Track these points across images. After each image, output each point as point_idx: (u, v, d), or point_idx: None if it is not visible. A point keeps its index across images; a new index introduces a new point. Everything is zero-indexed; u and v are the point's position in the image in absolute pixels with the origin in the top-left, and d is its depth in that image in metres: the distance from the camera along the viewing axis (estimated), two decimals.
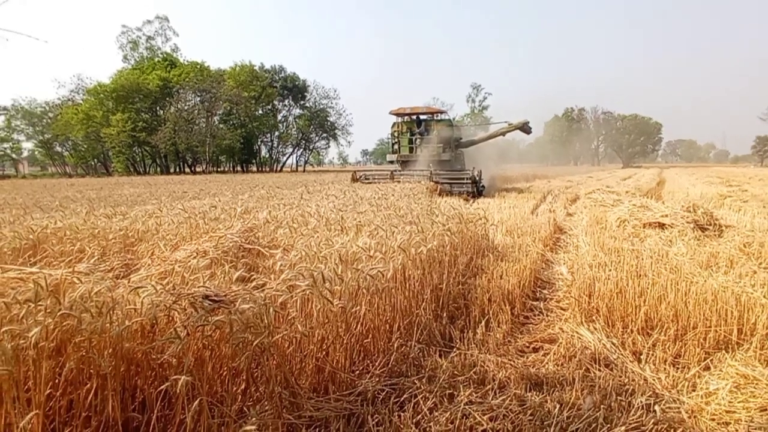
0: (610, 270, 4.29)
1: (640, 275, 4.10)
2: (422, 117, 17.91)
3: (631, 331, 3.49)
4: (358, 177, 16.41)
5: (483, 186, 15.49)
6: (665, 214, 7.15)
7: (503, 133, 17.18)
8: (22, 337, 1.92)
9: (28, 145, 56.04)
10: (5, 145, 53.47)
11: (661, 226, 6.86)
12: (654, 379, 2.92)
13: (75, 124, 50.23)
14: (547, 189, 17.10)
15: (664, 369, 3.04)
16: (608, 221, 7.87)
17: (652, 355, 3.19)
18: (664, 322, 3.46)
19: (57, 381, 2.06)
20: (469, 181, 14.09)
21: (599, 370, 2.99)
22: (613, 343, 3.36)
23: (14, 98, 63.57)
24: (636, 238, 6.32)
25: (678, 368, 3.07)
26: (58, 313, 2.01)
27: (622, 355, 3.22)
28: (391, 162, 18.60)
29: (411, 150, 17.66)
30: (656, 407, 2.53)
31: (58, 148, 56.28)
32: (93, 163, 57.17)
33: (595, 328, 3.58)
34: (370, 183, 14.98)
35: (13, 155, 55.08)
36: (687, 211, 7.03)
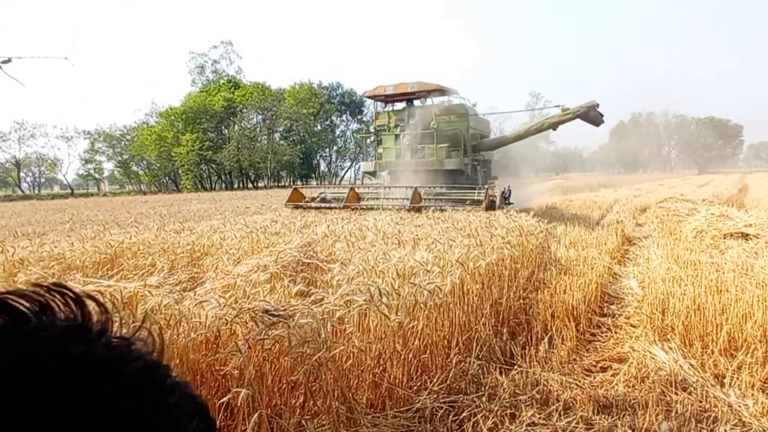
0: (686, 285, 3.99)
1: (721, 290, 3.78)
2: (415, 102, 11.73)
3: (712, 352, 3.22)
4: (305, 199, 10.74)
5: None
6: (749, 223, 6.59)
7: (554, 125, 10.73)
8: None
9: (108, 166, 60.76)
10: (89, 165, 58.20)
11: (745, 236, 6.32)
12: (740, 406, 2.66)
13: (149, 145, 53.96)
14: (613, 198, 16.20)
15: (752, 395, 2.77)
16: (683, 232, 7.37)
17: (738, 378, 2.92)
18: (750, 342, 3.16)
19: None
20: (481, 206, 8.36)
21: (676, 394, 2.77)
22: (692, 365, 3.11)
23: (97, 123, 69.57)
24: (715, 249, 5.86)
25: None
26: (131, 325, 2.12)
27: (702, 377, 2.97)
28: (369, 174, 12.37)
29: (399, 154, 11.46)
30: None
31: (135, 168, 60.54)
32: (165, 180, 61.00)
33: (670, 348, 3.34)
34: (311, 209, 9.71)
35: (96, 175, 59.79)
36: None
